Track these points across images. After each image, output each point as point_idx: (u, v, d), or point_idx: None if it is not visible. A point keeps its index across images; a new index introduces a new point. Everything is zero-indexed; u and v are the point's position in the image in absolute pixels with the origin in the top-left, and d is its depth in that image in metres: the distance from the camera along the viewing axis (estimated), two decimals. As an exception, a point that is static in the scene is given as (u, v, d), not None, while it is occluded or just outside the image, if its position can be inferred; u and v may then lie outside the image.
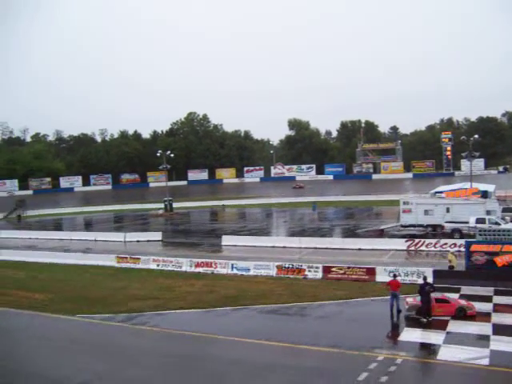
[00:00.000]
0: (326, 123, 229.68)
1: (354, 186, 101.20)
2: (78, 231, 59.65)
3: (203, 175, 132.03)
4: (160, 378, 15.43)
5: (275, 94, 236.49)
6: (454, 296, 21.90)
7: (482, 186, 51.01)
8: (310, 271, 28.51)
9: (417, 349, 17.21)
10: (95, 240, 49.30)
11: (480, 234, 28.76)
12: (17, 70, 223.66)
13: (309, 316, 21.43)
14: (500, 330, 18.29)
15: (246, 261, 31.73)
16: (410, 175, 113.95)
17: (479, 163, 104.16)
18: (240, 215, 71.96)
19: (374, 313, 21.20)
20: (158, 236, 47.42)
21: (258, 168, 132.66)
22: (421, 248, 34.72)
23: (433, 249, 34.14)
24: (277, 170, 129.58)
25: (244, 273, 30.26)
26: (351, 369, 14.98)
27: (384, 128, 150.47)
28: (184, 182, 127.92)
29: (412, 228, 41.20)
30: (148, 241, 46.66)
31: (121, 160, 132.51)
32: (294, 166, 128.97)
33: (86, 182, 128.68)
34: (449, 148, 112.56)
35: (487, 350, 16.21)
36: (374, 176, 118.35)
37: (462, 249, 29.27)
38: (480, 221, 35.98)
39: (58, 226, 69.40)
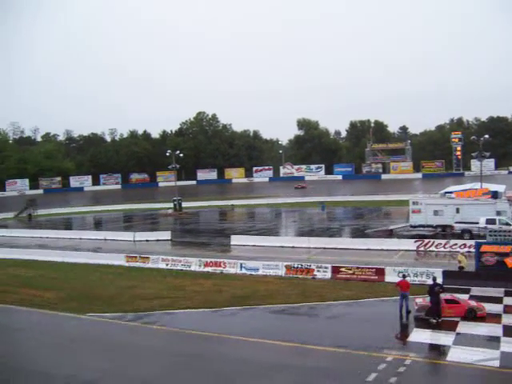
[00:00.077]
0: (335, 123, 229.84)
1: (363, 186, 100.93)
2: (88, 230, 59.95)
3: (212, 175, 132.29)
4: (168, 376, 15.46)
5: (283, 94, 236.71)
6: (463, 297, 21.74)
7: (493, 187, 50.78)
8: (318, 271, 28.44)
9: (426, 350, 17.10)
10: (105, 239, 49.59)
11: (490, 235, 28.57)
12: (26, 70, 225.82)
13: (317, 316, 21.37)
14: (511, 331, 18.10)
15: (254, 260, 31.74)
16: (419, 175, 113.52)
17: (489, 163, 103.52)
18: (249, 215, 71.98)
19: (383, 313, 21.10)
20: (167, 235, 47.56)
21: (266, 168, 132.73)
22: (430, 248, 34.53)
23: (442, 249, 33.95)
24: (286, 170, 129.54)
25: (253, 272, 30.26)
26: (360, 369, 14.91)
27: (393, 128, 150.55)
28: (193, 182, 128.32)
29: (421, 228, 41.01)
30: (157, 240, 46.82)
31: (130, 160, 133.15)
32: (303, 166, 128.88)
33: (95, 182, 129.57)
34: (459, 148, 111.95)
35: (498, 352, 16.06)
36: (384, 176, 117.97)
37: (472, 249, 29.13)
38: (490, 221, 35.72)
39: (68, 225, 69.86)
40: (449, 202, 41.59)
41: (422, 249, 34.82)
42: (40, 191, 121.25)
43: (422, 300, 20.46)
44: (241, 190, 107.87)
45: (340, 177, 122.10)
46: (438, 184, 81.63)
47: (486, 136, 64.77)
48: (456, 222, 38.77)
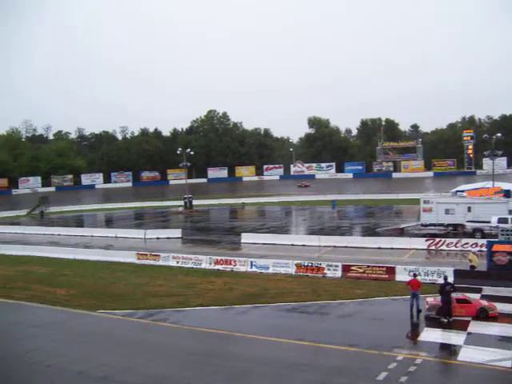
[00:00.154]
0: (346, 121, 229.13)
1: (374, 185, 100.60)
2: (99, 228, 60.37)
3: (223, 173, 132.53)
4: (180, 374, 15.52)
5: (294, 92, 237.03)
6: (475, 296, 21.64)
7: (505, 185, 50.34)
8: (329, 270, 28.45)
9: (437, 349, 17.04)
10: (116, 237, 49.89)
11: (502, 234, 28.33)
12: (38, 69, 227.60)
13: (328, 315, 21.37)
14: (523, 331, 18.00)
15: (265, 259, 31.82)
16: (430, 174, 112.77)
17: (502, 162, 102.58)
18: (259, 213, 72.04)
19: (394, 312, 21.07)
20: (177, 233, 47.72)
21: (277, 166, 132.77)
22: (441, 247, 34.38)
23: (454, 248, 33.78)
24: (296, 168, 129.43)
25: (263, 271, 30.32)
26: (370, 368, 14.92)
27: (405, 126, 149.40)
28: (204, 180, 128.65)
29: (432, 227, 40.74)
30: (168, 238, 47.01)
31: (141, 157, 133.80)
32: (314, 164, 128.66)
33: (106, 180, 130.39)
34: (470, 146, 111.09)
35: (510, 352, 15.96)
36: (395, 174, 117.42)
37: (484, 249, 28.96)
38: (502, 220, 35.39)
39: (79, 222, 70.34)
40: (460, 200, 41.26)
41: (433, 248, 34.66)
42: (52, 189, 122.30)
43: (433, 299, 20.41)
44: (251, 188, 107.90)
45: (351, 175, 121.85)
46: (450, 183, 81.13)
47: (499, 134, 64.34)
48: (467, 221, 38.52)
